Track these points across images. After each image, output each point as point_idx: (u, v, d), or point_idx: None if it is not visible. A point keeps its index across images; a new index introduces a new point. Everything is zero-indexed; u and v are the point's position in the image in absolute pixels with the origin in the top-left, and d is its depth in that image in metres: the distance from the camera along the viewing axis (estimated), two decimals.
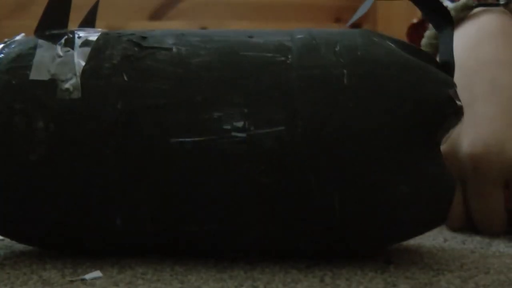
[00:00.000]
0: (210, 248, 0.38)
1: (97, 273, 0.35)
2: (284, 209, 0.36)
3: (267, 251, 0.39)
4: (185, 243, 0.38)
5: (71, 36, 0.38)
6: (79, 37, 0.38)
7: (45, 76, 0.37)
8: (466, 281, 0.35)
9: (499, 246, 0.43)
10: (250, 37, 0.39)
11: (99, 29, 0.40)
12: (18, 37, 0.40)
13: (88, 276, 0.35)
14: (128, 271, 0.36)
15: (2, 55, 0.38)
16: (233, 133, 0.35)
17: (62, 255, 0.39)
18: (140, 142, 0.36)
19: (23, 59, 0.37)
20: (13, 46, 0.39)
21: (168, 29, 0.40)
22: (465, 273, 0.36)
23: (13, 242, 0.43)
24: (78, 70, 0.36)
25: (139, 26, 1.35)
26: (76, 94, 0.36)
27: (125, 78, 0.36)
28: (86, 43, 0.38)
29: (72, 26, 0.40)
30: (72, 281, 0.34)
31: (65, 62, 0.37)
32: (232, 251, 0.39)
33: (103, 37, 0.38)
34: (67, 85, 0.36)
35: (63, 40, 0.38)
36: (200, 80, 0.36)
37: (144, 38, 0.38)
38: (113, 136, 0.36)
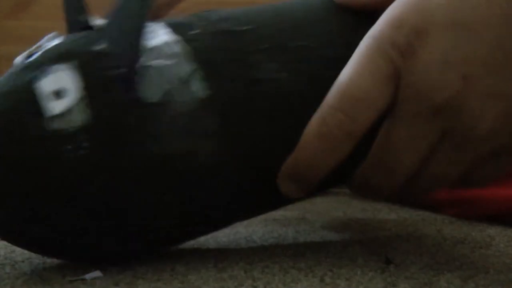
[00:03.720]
0: None
1: (97, 273, 0.35)
2: None
3: None
4: None
5: None
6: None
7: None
8: (466, 281, 0.35)
9: (499, 246, 0.44)
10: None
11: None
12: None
13: (88, 276, 0.35)
14: (128, 271, 0.36)
15: None
16: None
17: None
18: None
19: None
20: None
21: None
22: (465, 273, 0.36)
23: None
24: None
25: None
26: None
27: None
28: None
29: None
30: (72, 281, 0.34)
31: None
32: None
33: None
34: None
35: None
36: None
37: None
38: None
